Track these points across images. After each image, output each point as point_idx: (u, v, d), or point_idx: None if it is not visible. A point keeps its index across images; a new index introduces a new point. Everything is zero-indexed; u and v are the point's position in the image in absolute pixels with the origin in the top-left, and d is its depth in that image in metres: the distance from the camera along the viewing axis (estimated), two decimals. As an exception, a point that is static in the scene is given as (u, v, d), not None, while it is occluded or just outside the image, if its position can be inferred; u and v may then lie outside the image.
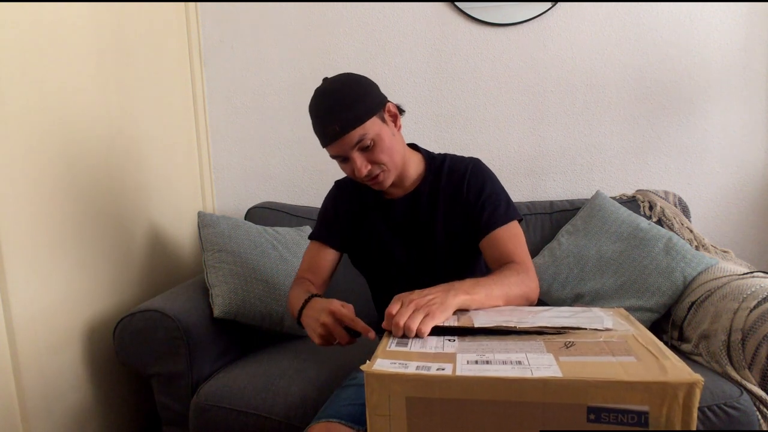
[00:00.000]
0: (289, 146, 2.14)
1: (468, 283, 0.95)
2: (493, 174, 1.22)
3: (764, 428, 1.20)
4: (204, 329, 1.50)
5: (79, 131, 1.49)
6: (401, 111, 1.20)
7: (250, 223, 1.79)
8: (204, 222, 1.69)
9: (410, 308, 0.84)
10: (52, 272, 1.38)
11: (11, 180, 1.26)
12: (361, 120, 1.07)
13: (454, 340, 0.76)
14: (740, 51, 1.90)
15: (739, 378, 1.24)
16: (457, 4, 1.97)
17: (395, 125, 1.17)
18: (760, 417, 1.21)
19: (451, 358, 0.69)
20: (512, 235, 1.14)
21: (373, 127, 1.09)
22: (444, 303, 0.87)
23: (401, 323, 0.82)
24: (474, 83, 2.02)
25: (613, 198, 1.85)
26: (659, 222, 1.77)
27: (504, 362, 0.66)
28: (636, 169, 2.00)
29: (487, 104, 2.03)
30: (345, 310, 1.03)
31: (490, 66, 2.01)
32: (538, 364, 0.64)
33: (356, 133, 1.07)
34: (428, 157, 1.26)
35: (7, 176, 1.25)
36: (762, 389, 1.23)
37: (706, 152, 1.96)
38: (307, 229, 1.89)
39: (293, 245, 1.79)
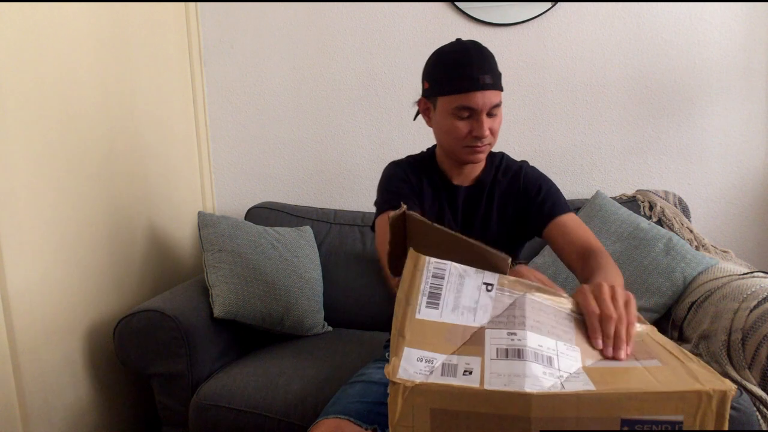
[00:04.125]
0: (289, 146, 2.14)
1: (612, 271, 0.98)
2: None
3: (764, 428, 1.20)
4: (204, 329, 1.50)
5: (79, 131, 1.49)
6: None
7: (250, 223, 1.79)
8: (204, 222, 1.69)
9: (611, 305, 0.71)
10: (52, 272, 1.38)
11: (11, 180, 1.26)
12: (502, 88, 1.11)
13: (491, 289, 0.69)
14: (740, 51, 1.90)
15: (739, 378, 1.24)
16: (457, 4, 1.97)
17: None
18: (760, 417, 1.21)
19: (479, 341, 0.64)
20: (580, 223, 1.17)
21: (501, 100, 1.11)
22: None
23: (611, 332, 0.68)
24: (474, 83, 2.02)
25: (613, 198, 1.85)
26: (659, 222, 1.77)
27: (536, 355, 0.61)
28: (636, 169, 2.00)
29: (487, 104, 2.03)
30: None
31: (490, 66, 2.00)
32: (568, 366, 0.61)
33: (498, 95, 1.09)
34: (488, 153, 1.28)
35: (7, 176, 1.25)
36: (762, 389, 1.23)
37: (706, 152, 1.96)
38: (307, 230, 1.89)
39: (293, 245, 1.79)
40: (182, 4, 2.01)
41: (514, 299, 0.68)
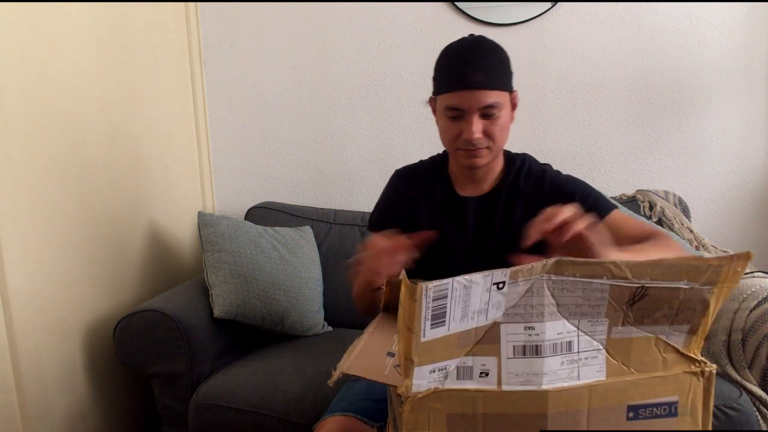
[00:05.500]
0: (289, 146, 2.13)
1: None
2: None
3: (764, 428, 1.20)
4: (204, 329, 1.50)
5: (80, 131, 1.49)
6: None
7: (250, 223, 1.79)
8: (204, 222, 1.69)
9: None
10: (51, 272, 1.38)
11: (12, 180, 1.26)
12: (503, 87, 1.02)
13: (503, 286, 0.60)
14: (740, 51, 1.90)
15: (739, 378, 1.24)
16: (457, 4, 1.97)
17: (512, 114, 1.11)
18: (759, 417, 1.21)
19: (494, 338, 0.60)
20: (626, 218, 1.02)
21: (504, 100, 1.03)
22: None
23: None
24: (474, 83, 2.02)
25: (613, 198, 1.85)
26: (659, 222, 1.77)
27: (554, 346, 0.59)
28: (636, 169, 2.00)
29: (487, 104, 2.03)
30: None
31: (490, 66, 2.00)
32: (588, 344, 0.60)
33: (492, 95, 1.00)
34: (508, 156, 1.18)
35: (7, 176, 1.25)
36: (762, 389, 1.23)
37: (706, 152, 1.96)
38: (308, 230, 1.89)
39: (293, 245, 1.79)
40: (182, 4, 2.01)
41: (531, 284, 0.60)
